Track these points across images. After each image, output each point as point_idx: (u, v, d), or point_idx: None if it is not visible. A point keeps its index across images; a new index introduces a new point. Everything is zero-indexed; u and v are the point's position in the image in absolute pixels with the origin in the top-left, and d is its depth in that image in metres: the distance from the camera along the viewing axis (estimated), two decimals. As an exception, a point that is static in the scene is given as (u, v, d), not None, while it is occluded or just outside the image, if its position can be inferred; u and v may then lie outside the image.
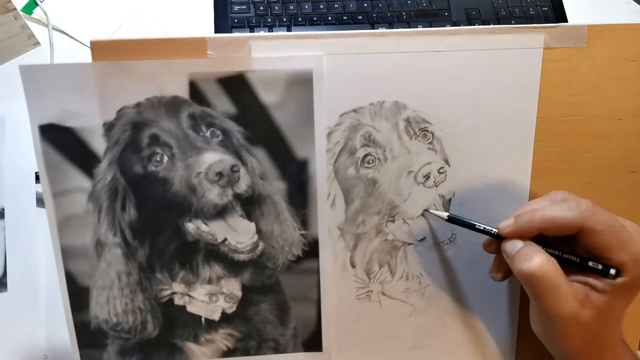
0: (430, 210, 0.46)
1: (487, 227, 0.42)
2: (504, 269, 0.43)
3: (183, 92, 0.43)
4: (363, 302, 0.48)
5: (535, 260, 0.38)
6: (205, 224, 0.44)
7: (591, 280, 0.39)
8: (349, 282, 0.47)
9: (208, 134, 0.44)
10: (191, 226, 0.44)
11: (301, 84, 0.43)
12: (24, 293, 0.55)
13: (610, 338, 0.40)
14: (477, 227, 0.43)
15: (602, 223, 0.38)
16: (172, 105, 0.43)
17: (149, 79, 0.42)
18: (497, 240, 0.42)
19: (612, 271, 0.38)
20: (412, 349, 0.49)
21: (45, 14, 0.70)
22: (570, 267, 0.39)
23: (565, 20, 0.72)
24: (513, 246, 0.40)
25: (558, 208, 0.39)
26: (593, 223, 0.38)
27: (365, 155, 0.45)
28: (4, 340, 0.54)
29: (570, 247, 0.40)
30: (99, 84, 0.42)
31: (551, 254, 0.39)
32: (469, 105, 0.46)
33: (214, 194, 0.43)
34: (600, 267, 0.38)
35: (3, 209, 0.56)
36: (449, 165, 0.46)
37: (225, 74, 0.43)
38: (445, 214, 0.44)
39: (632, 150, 0.49)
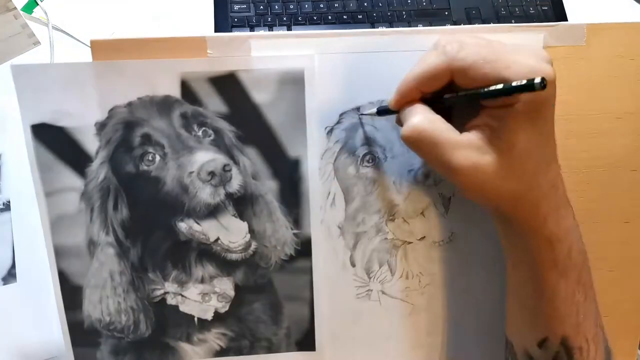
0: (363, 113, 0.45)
1: (384, 104, 0.42)
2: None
3: (175, 91, 0.43)
4: (363, 301, 0.48)
5: (410, 122, 0.37)
6: (198, 223, 0.44)
7: (488, 120, 0.36)
8: (348, 281, 0.47)
9: (200, 133, 0.44)
10: (183, 226, 0.44)
11: (293, 83, 0.43)
12: (34, 283, 0.56)
13: (538, 180, 0.37)
14: (379, 110, 0.42)
15: (471, 55, 0.35)
16: (163, 105, 0.43)
17: (140, 79, 0.42)
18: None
19: (537, 80, 0.32)
20: (412, 348, 0.49)
21: (46, 13, 0.70)
22: (470, 115, 0.37)
23: (565, 19, 0.72)
24: (402, 114, 0.39)
25: (424, 59, 0.37)
26: (460, 61, 0.35)
27: (365, 154, 0.45)
28: (16, 330, 0.55)
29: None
30: (90, 83, 0.42)
31: (445, 101, 0.37)
32: (469, 105, 0.45)
33: (206, 194, 0.43)
34: (523, 82, 0.33)
35: (9, 201, 0.57)
36: (449, 165, 0.46)
37: (216, 74, 0.43)
38: (374, 110, 0.43)
39: (632, 149, 0.48)
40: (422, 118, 0.37)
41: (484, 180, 0.36)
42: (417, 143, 0.37)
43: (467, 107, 0.38)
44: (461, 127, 0.37)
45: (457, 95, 0.37)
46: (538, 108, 0.36)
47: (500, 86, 0.34)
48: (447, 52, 0.36)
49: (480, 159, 0.36)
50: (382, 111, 0.42)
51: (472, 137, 0.36)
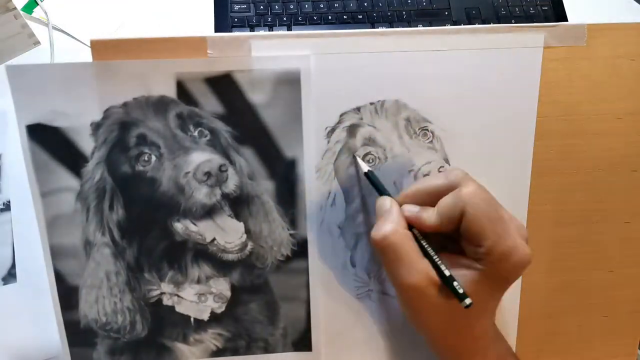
0: (356, 155, 0.45)
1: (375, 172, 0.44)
2: None
3: (170, 91, 0.43)
4: (363, 301, 0.48)
5: (383, 229, 0.39)
6: (194, 223, 0.44)
7: (462, 260, 0.39)
8: (349, 281, 0.47)
9: (196, 133, 0.44)
10: (179, 226, 0.44)
11: (289, 84, 0.43)
12: (33, 283, 0.55)
13: (473, 327, 0.40)
14: (369, 173, 0.44)
15: (481, 208, 0.38)
16: (159, 105, 0.43)
17: (136, 79, 0.42)
18: None
19: (467, 301, 0.37)
20: (412, 349, 0.49)
21: (46, 13, 0.71)
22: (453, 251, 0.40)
23: (565, 20, 0.72)
24: (381, 204, 0.42)
25: (430, 178, 0.42)
26: (472, 207, 0.38)
27: (366, 154, 0.45)
28: (16, 330, 0.55)
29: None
30: (86, 84, 0.42)
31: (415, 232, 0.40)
32: (469, 105, 0.46)
33: (202, 194, 0.43)
34: (460, 290, 0.38)
35: (9, 201, 0.57)
36: (449, 164, 0.46)
37: (212, 74, 0.43)
38: (366, 168, 0.44)
39: (633, 149, 0.48)
40: (393, 229, 0.39)
41: (424, 312, 0.40)
42: (381, 250, 0.39)
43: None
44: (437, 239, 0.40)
45: (421, 243, 0.40)
46: (508, 279, 0.39)
47: (447, 272, 0.38)
48: (452, 180, 0.40)
49: (427, 286, 0.38)
50: (370, 176, 0.44)
51: (430, 270, 0.39)
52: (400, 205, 0.41)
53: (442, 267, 0.38)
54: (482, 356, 0.41)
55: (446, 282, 0.38)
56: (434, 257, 0.39)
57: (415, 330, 0.42)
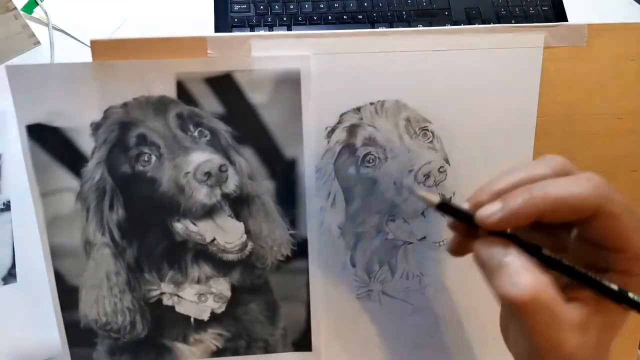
0: (418, 192, 0.33)
1: (460, 204, 0.31)
2: (467, 250, 0.32)
3: (170, 91, 0.43)
4: (363, 301, 0.48)
5: (525, 283, 0.27)
6: (194, 223, 0.44)
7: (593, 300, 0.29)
8: (349, 281, 0.47)
9: (196, 133, 0.44)
10: (179, 226, 0.44)
11: (289, 84, 0.43)
12: (34, 283, 0.55)
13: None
14: (442, 204, 0.32)
15: (620, 204, 0.28)
16: (159, 105, 0.43)
17: (136, 79, 0.42)
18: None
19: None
20: (412, 348, 0.49)
21: (46, 13, 0.70)
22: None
23: (566, 20, 0.72)
24: (491, 255, 0.29)
25: (566, 183, 0.29)
26: (612, 205, 0.28)
27: (366, 155, 0.45)
28: (16, 330, 0.55)
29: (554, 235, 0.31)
30: (86, 84, 0.42)
31: (547, 262, 0.29)
32: (469, 105, 0.46)
33: (202, 194, 0.43)
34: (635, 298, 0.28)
35: (9, 202, 0.57)
36: (449, 165, 0.46)
37: (212, 74, 0.43)
38: (436, 199, 0.32)
39: (633, 149, 0.48)
40: (535, 280, 0.28)
41: None
42: (529, 313, 0.28)
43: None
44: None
45: (563, 266, 0.30)
46: None
47: (615, 287, 0.29)
48: (596, 187, 0.28)
49: (582, 340, 0.28)
50: (446, 208, 0.32)
51: (574, 309, 0.28)
52: (473, 204, 0.31)
53: (606, 283, 0.29)
54: None
55: (617, 298, 0.29)
56: (589, 275, 0.29)
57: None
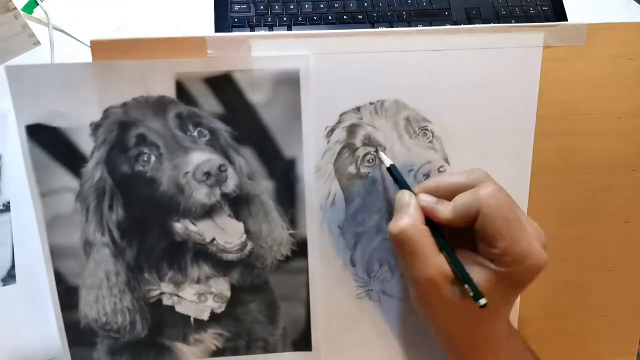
0: (380, 152, 0.45)
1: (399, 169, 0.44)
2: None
3: (170, 91, 0.43)
4: (363, 300, 0.48)
5: (400, 222, 0.40)
6: (194, 223, 0.44)
7: (477, 259, 0.39)
8: (349, 281, 0.47)
9: (195, 133, 0.43)
10: (179, 226, 0.44)
11: (288, 84, 0.43)
12: (33, 285, 0.55)
13: (485, 327, 0.40)
14: (392, 167, 0.44)
15: (496, 210, 0.38)
16: (158, 105, 0.43)
17: (135, 79, 0.42)
18: None
19: (482, 301, 0.37)
20: (412, 348, 0.49)
21: (46, 13, 0.71)
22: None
23: (565, 19, 0.72)
24: (400, 197, 0.42)
25: (454, 175, 0.41)
26: (487, 209, 0.38)
27: (366, 154, 0.45)
28: (16, 331, 0.55)
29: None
30: (85, 84, 0.42)
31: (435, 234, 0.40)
32: (469, 104, 0.46)
33: (201, 194, 0.43)
34: (471, 293, 0.38)
35: (9, 202, 0.57)
36: (449, 164, 0.46)
37: (212, 74, 0.43)
38: (389, 162, 0.44)
39: (632, 149, 0.48)
40: (410, 223, 0.39)
41: (437, 307, 0.40)
42: (398, 243, 0.40)
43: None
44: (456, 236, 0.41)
45: (437, 239, 0.40)
46: (521, 283, 0.39)
47: (464, 270, 0.39)
48: (472, 180, 0.40)
49: (442, 283, 0.39)
50: (392, 171, 0.44)
51: (445, 265, 0.39)
52: (417, 195, 0.42)
53: (460, 264, 0.39)
54: (492, 355, 0.41)
55: (463, 280, 0.38)
56: (451, 253, 0.39)
57: (427, 326, 0.43)
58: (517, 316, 0.49)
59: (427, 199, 0.41)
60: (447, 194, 0.41)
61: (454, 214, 0.39)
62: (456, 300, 0.39)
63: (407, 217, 0.40)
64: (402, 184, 0.43)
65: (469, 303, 0.38)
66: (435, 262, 0.39)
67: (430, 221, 0.41)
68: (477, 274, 0.38)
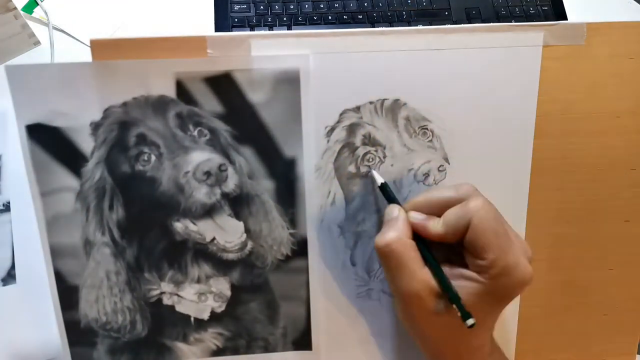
0: (373, 170, 0.45)
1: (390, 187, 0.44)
2: None
3: (170, 91, 0.43)
4: (363, 300, 0.48)
5: (387, 235, 0.40)
6: (194, 223, 0.44)
7: (464, 272, 0.40)
8: (349, 280, 0.47)
9: (195, 133, 0.43)
10: (179, 226, 0.44)
11: (288, 83, 0.43)
12: (33, 285, 0.55)
13: (470, 340, 0.41)
14: (383, 185, 0.44)
15: (485, 223, 0.38)
16: (159, 105, 0.43)
17: (135, 79, 0.42)
18: None
19: (469, 321, 0.38)
20: (412, 347, 0.48)
21: (46, 13, 0.71)
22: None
23: (565, 19, 0.72)
24: (389, 212, 0.42)
25: (443, 189, 0.42)
26: (477, 221, 0.38)
27: (365, 154, 0.45)
28: (16, 331, 0.55)
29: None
30: (85, 83, 0.42)
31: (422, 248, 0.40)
32: (469, 103, 0.46)
33: (202, 193, 0.43)
34: (459, 314, 0.38)
35: (9, 202, 0.57)
36: (449, 164, 0.46)
37: (212, 73, 0.43)
38: (380, 181, 0.44)
39: (632, 148, 0.48)
40: (397, 237, 0.40)
41: (422, 321, 0.41)
42: (383, 257, 0.40)
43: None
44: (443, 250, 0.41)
45: (427, 261, 0.40)
46: (508, 295, 0.40)
47: (452, 288, 0.39)
48: (462, 193, 0.40)
49: (426, 296, 0.39)
50: (384, 189, 0.44)
51: (431, 279, 0.39)
52: (407, 212, 0.42)
53: (447, 280, 0.39)
54: None
55: (451, 300, 0.38)
56: (438, 268, 0.40)
57: (413, 338, 0.43)
58: (517, 316, 0.49)
59: (417, 216, 0.41)
60: (437, 209, 0.41)
61: (446, 228, 0.40)
62: (441, 314, 0.39)
63: (394, 231, 0.40)
64: (392, 200, 0.43)
65: (454, 316, 0.38)
66: (421, 276, 0.39)
67: (418, 236, 0.41)
68: (464, 287, 0.39)
